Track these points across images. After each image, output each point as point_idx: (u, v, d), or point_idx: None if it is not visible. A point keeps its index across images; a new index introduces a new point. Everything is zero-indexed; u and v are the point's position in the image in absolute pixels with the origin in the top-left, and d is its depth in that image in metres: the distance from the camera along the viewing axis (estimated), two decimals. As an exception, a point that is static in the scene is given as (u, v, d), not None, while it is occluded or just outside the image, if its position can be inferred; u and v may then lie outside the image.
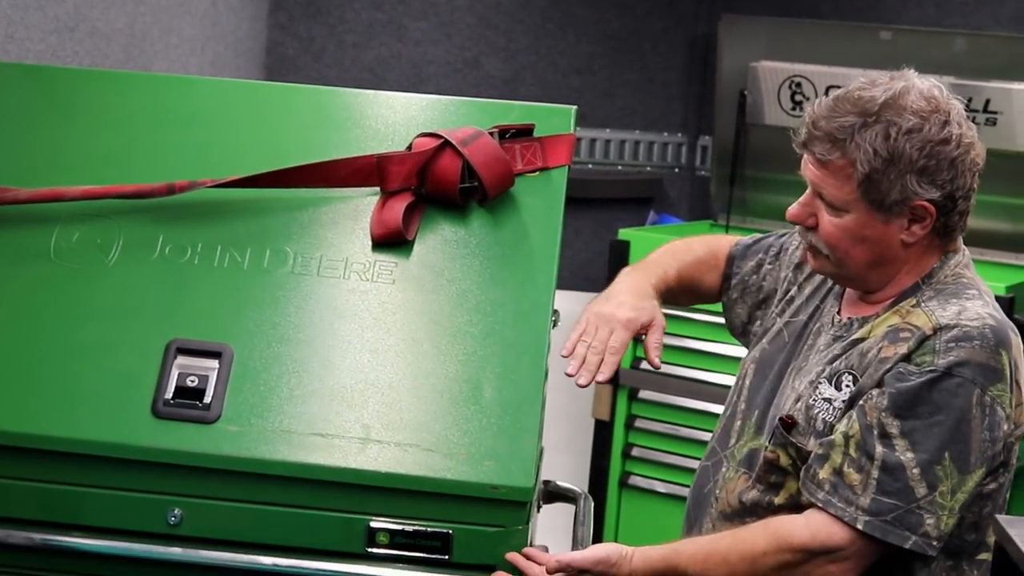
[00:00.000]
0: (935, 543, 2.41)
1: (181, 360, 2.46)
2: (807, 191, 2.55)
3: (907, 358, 2.44)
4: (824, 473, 2.46)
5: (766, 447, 2.57)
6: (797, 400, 2.56)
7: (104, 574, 2.43)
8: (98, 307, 2.54)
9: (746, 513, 2.59)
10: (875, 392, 2.45)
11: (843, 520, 2.42)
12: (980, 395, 2.42)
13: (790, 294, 2.80)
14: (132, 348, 2.48)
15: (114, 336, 2.50)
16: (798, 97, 5.18)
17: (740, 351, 4.51)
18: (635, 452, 5.01)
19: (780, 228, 5.37)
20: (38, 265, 2.58)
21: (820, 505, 2.45)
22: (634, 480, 5.01)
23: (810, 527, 2.45)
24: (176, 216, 2.63)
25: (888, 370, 2.45)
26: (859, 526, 2.40)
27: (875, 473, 2.41)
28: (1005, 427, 2.45)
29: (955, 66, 4.65)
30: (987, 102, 4.81)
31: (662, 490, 4.95)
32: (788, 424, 2.53)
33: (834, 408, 2.50)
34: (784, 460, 2.55)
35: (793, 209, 2.56)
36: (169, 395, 2.42)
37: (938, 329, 2.44)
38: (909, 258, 2.54)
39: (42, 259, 2.58)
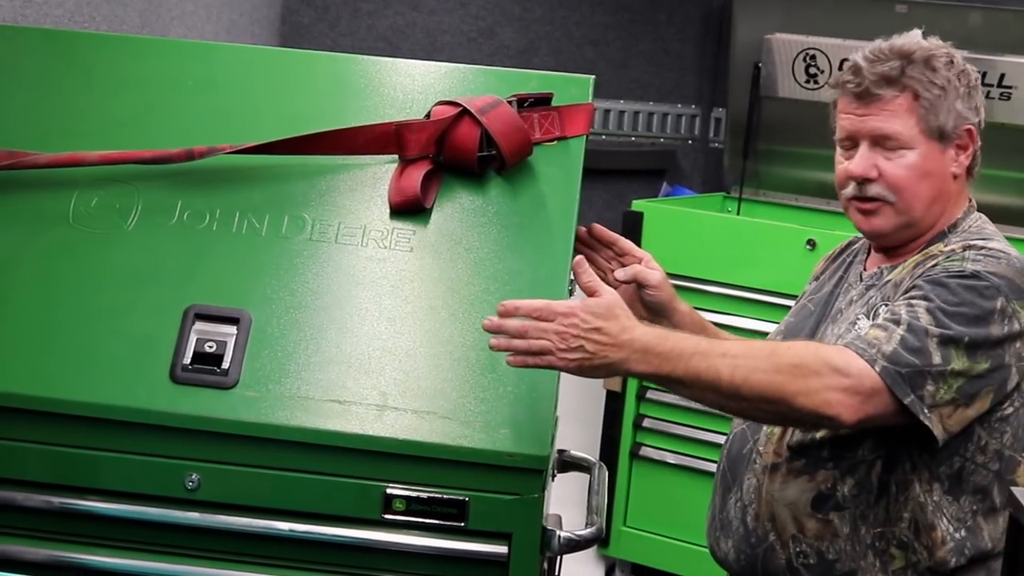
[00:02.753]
0: (926, 410, 2.48)
1: (199, 326, 2.47)
2: (860, 147, 2.68)
3: (935, 266, 2.58)
4: (850, 337, 2.55)
5: None
6: (837, 339, 2.64)
7: (121, 538, 2.43)
8: (116, 272, 2.54)
9: (794, 457, 2.66)
10: (913, 289, 2.57)
11: (864, 358, 2.46)
12: (1004, 303, 2.54)
13: (805, 290, 2.96)
14: (150, 313, 2.49)
15: (132, 301, 2.51)
16: (812, 70, 5.18)
17: (753, 323, 4.57)
18: (646, 423, 5.02)
19: (792, 200, 5.40)
20: (57, 230, 2.58)
21: (844, 345, 2.51)
22: (645, 451, 5.02)
23: (839, 348, 2.49)
24: (195, 182, 2.63)
25: (917, 277, 2.58)
26: (876, 368, 2.45)
27: (899, 332, 2.49)
28: (1018, 344, 2.56)
29: (970, 40, 4.65)
30: (1002, 76, 4.81)
31: (672, 461, 4.96)
32: None
33: None
34: None
35: (856, 165, 2.68)
36: (187, 360, 2.43)
37: (967, 247, 2.60)
38: (952, 195, 2.71)
39: (61, 224, 2.59)
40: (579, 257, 2.49)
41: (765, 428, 2.73)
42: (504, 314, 2.35)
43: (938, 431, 2.49)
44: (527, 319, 2.34)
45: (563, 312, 2.34)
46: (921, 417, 2.47)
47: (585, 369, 2.37)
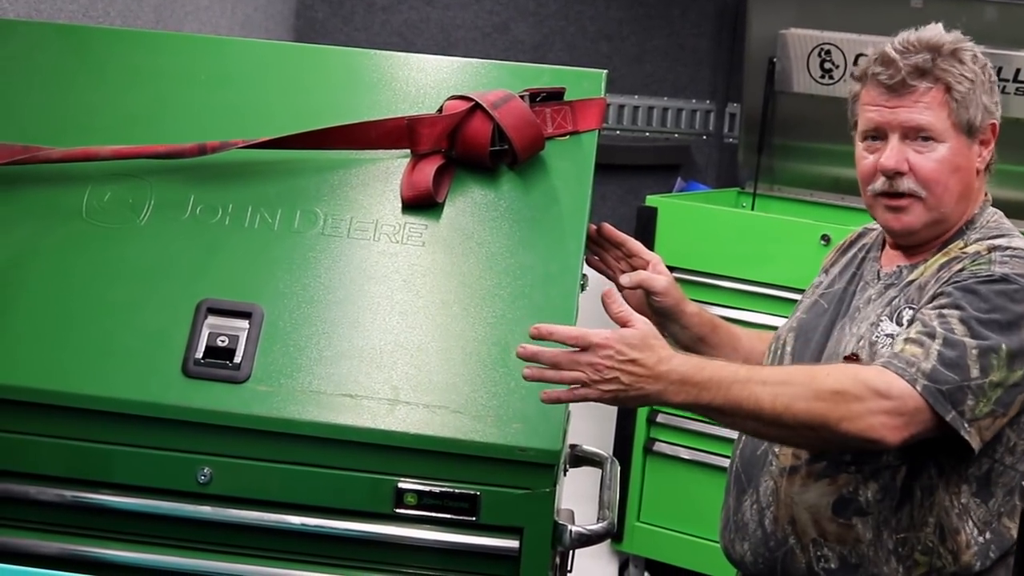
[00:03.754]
0: (967, 425, 2.45)
1: (211, 320, 2.47)
2: (890, 140, 2.63)
3: (962, 271, 2.55)
4: (886, 354, 2.50)
5: None
6: (859, 340, 2.61)
7: (133, 532, 2.44)
8: (129, 267, 2.55)
9: (815, 460, 2.62)
10: (940, 295, 2.53)
11: (904, 378, 2.43)
12: None
13: (815, 283, 2.91)
14: (163, 308, 2.49)
15: (145, 295, 2.51)
16: (827, 65, 5.17)
17: (767, 319, 4.56)
18: (660, 418, 5.01)
19: (807, 195, 5.40)
20: (70, 224, 2.59)
21: (882, 365, 2.46)
22: (659, 447, 5.01)
23: (878, 369, 2.45)
24: (207, 176, 2.64)
25: (944, 283, 2.54)
26: (918, 388, 2.42)
27: (936, 347, 2.45)
28: None
29: (986, 35, 4.58)
30: (1017, 71, 4.79)
31: (686, 456, 4.96)
32: (852, 361, 2.58)
33: (897, 342, 2.54)
34: None
35: (889, 158, 2.62)
36: (199, 354, 2.43)
37: (992, 249, 2.57)
38: (976, 191, 2.68)
39: (74, 218, 2.59)
40: (610, 288, 2.46)
41: None
42: (537, 336, 2.33)
43: (975, 443, 2.47)
44: (561, 346, 2.33)
45: (598, 343, 2.31)
46: (962, 432, 2.45)
47: (620, 400, 2.36)
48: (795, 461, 2.65)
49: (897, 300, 2.63)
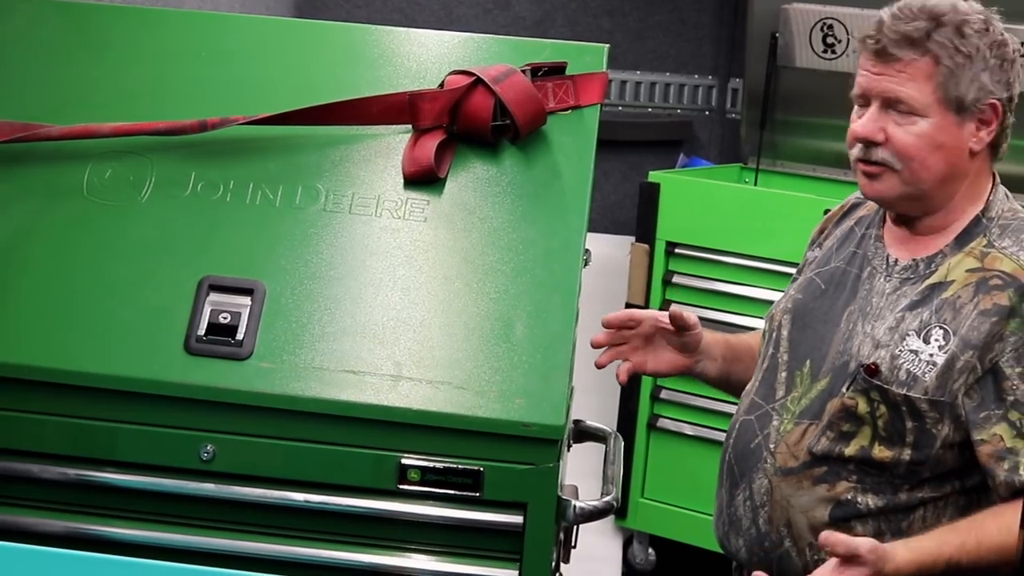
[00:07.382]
0: None
1: (213, 297, 2.47)
2: (871, 107, 2.55)
3: (1012, 313, 2.47)
4: (1015, 480, 2.45)
5: (843, 394, 2.54)
6: (876, 347, 2.54)
7: (137, 509, 2.45)
8: (131, 244, 2.54)
9: (814, 464, 2.57)
10: (1015, 376, 2.47)
11: None
12: None
13: (808, 258, 2.84)
14: (164, 285, 2.49)
15: (147, 273, 2.51)
16: (830, 39, 5.15)
17: (770, 294, 4.54)
18: (664, 395, 5.01)
19: (809, 170, 5.38)
20: (71, 202, 2.58)
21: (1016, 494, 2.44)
22: (662, 423, 5.01)
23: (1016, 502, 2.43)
24: (208, 153, 2.63)
25: (999, 331, 2.47)
26: None
27: None
28: None
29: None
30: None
31: (690, 432, 4.95)
32: (872, 371, 2.51)
33: (920, 360, 2.49)
34: (862, 407, 2.52)
35: (862, 126, 2.55)
36: (202, 331, 2.43)
37: None
38: (970, 172, 2.58)
39: (75, 196, 2.59)
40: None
41: (775, 423, 2.63)
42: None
43: None
44: None
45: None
46: None
47: None
48: (792, 462, 2.59)
49: (924, 313, 2.53)
